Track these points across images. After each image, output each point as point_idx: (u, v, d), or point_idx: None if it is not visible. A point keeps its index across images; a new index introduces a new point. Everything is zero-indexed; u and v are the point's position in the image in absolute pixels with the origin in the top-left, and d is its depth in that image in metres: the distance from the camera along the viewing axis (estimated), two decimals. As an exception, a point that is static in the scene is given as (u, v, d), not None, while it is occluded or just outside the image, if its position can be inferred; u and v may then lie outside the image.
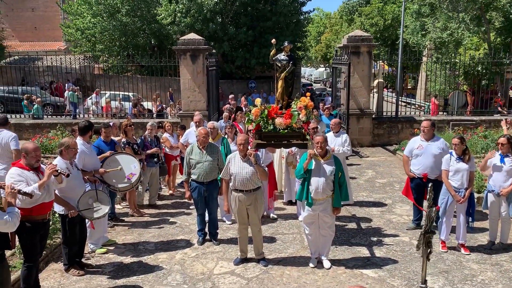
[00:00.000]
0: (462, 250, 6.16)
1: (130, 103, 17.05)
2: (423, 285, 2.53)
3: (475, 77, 19.07)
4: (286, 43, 6.69)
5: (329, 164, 5.52)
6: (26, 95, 16.59)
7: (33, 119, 15.22)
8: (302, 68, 61.87)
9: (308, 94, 6.76)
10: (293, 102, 6.53)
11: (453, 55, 18.73)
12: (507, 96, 20.42)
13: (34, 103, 16.04)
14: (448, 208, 6.14)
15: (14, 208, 4.11)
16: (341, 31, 41.49)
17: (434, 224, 6.89)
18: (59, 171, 4.87)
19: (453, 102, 16.51)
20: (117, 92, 17.54)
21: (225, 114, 9.86)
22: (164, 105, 18.60)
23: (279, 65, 6.62)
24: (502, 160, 6.05)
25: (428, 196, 2.82)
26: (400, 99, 21.58)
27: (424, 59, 21.74)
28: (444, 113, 17.83)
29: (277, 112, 6.43)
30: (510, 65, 18.16)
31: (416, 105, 22.59)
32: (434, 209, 3.02)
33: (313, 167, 5.51)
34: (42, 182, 4.62)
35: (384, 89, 27.83)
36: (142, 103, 17.73)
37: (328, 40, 47.62)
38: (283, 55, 6.65)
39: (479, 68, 18.65)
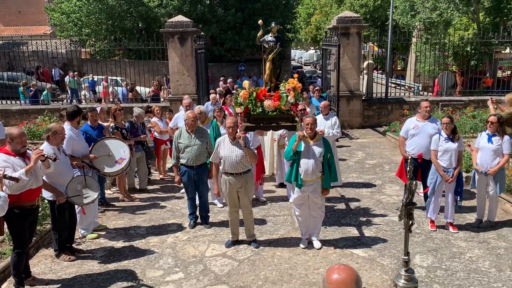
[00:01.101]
0: (451, 229, 6.25)
1: (123, 88, 16.92)
2: (405, 257, 2.56)
3: (464, 58, 19.10)
4: (273, 24, 6.61)
5: (318, 145, 5.53)
6: (22, 82, 16.45)
7: (43, 105, 15.26)
8: (292, 51, 61.45)
9: (296, 75, 6.72)
10: (281, 84, 6.48)
11: (442, 35, 18.70)
12: (496, 76, 20.53)
13: (32, 89, 16.10)
14: (437, 187, 6.20)
15: (1, 192, 4.06)
16: (331, 13, 41.08)
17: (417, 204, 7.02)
18: (45, 155, 4.81)
19: (442, 82, 16.54)
20: (113, 77, 17.36)
21: (212, 95, 9.75)
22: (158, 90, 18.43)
23: (267, 46, 6.54)
24: (489, 140, 6.11)
25: (408, 169, 2.84)
26: (390, 81, 21.61)
27: (414, 40, 21.71)
28: (430, 94, 17.89)
29: (265, 95, 6.38)
30: (499, 45, 18.21)
31: (406, 86, 22.62)
32: (414, 181, 3.07)
33: (302, 149, 5.51)
34: (29, 167, 4.57)
35: (374, 71, 27.84)
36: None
37: (318, 21, 47.16)
38: (271, 36, 6.57)
39: (468, 49, 18.67)
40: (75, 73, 19.37)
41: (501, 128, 6.10)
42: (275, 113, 6.34)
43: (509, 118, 7.64)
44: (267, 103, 6.32)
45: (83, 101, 15.72)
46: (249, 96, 6.34)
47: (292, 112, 6.44)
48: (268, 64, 6.67)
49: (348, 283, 1.90)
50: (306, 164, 5.48)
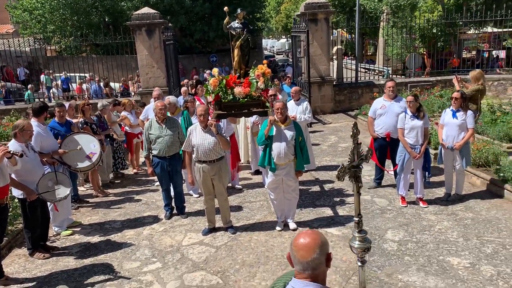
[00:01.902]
0: (421, 204, 6.44)
1: (95, 84, 16.67)
2: (356, 218, 2.66)
3: (431, 40, 19.51)
4: (239, 10, 6.62)
5: (289, 129, 5.59)
6: (29, 86, 16.24)
7: (9, 104, 14.81)
8: (263, 40, 61.34)
9: (265, 62, 6.75)
10: (250, 71, 6.51)
11: (409, 18, 19.02)
12: (461, 56, 21.06)
13: (1, 89, 15.97)
14: (405, 165, 6.37)
15: None
16: (301, 1, 41.22)
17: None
18: (11, 152, 4.71)
19: (410, 64, 16.87)
20: (82, 74, 17.02)
21: (183, 89, 9.70)
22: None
23: (234, 33, 6.55)
24: (454, 115, 6.30)
25: (352, 133, 2.94)
26: (360, 66, 21.88)
27: (382, 24, 21.99)
28: (402, 76, 18.24)
29: (235, 82, 6.40)
30: (463, 26, 18.65)
31: (377, 71, 22.96)
32: (360, 145, 3.19)
33: (274, 133, 5.57)
34: None
35: (345, 57, 28.13)
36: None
37: (288, 10, 47.18)
38: (237, 22, 6.57)
39: (434, 30, 19.07)
40: (50, 71, 18.94)
41: (465, 103, 6.31)
42: (246, 99, 6.38)
43: (474, 95, 7.90)
44: (237, 90, 6.35)
45: (53, 99, 15.36)
46: (219, 83, 6.35)
47: (263, 98, 6.48)
48: (236, 51, 6.68)
49: (311, 247, 1.97)
50: (278, 147, 5.54)
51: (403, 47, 19.41)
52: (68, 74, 18.42)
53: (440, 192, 6.89)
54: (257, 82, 6.28)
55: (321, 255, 1.98)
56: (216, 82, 6.28)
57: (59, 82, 17.59)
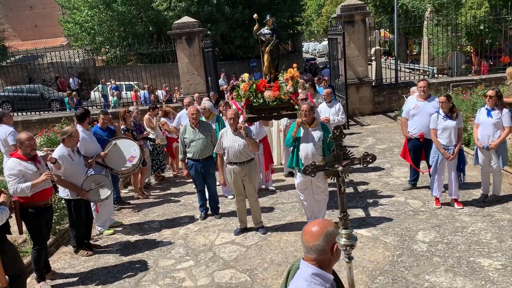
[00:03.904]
0: (456, 205, 6.31)
1: (145, 91, 17.48)
2: (340, 215, 2.71)
3: (478, 37, 18.79)
4: (268, 17, 6.80)
5: (316, 130, 5.68)
6: (67, 92, 17.39)
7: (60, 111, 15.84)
8: (305, 43, 61.18)
9: (294, 65, 6.87)
10: (280, 74, 6.66)
11: (454, 16, 18.43)
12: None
13: (74, 99, 17.37)
14: (439, 165, 6.27)
15: (5, 207, 4.26)
16: (342, 2, 40.85)
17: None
18: (54, 160, 5.17)
19: (452, 63, 16.35)
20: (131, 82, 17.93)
21: (186, 100, 8.84)
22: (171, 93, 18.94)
23: (263, 39, 6.74)
24: (489, 114, 6.13)
25: (332, 136, 2.94)
26: (404, 66, 21.35)
27: (426, 22, 21.44)
28: (444, 76, 17.70)
29: (265, 86, 6.57)
30: (512, 22, 17.84)
31: (421, 71, 22.37)
32: (345, 148, 2.97)
33: (301, 135, 5.68)
34: (35, 183, 4.84)
35: (389, 57, 27.53)
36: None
37: (329, 12, 46.91)
38: (266, 29, 6.76)
39: (481, 27, 18.36)
40: (112, 80, 19.98)
41: (500, 101, 6.12)
42: (275, 102, 6.53)
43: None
44: (267, 93, 6.51)
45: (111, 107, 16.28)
46: (249, 88, 6.54)
47: (292, 101, 6.60)
48: (266, 56, 6.86)
49: (316, 235, 2.16)
50: (305, 148, 5.64)
51: (448, 45, 18.82)
52: (118, 83, 19.37)
53: (477, 193, 6.70)
54: (286, 85, 6.41)
55: (324, 243, 2.16)
56: (247, 87, 6.47)
57: (114, 91, 18.53)
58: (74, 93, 18.41)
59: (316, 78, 12.05)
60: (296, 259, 5.22)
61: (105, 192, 6.03)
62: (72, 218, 5.84)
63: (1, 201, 4.18)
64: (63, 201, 6.25)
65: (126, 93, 17.84)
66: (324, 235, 2.18)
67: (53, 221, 6.33)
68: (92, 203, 6.21)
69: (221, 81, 17.36)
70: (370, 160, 3.12)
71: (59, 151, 5.58)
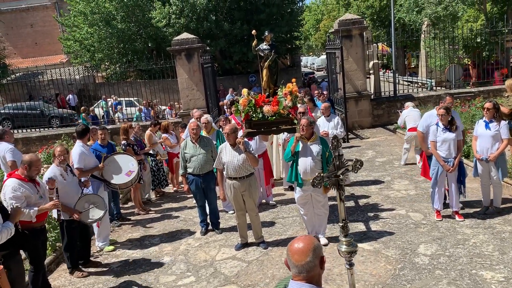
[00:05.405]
0: (457, 217, 6.29)
1: (145, 108, 17.60)
2: (341, 223, 2.71)
3: (475, 49, 18.96)
4: (266, 33, 6.89)
5: (315, 145, 5.70)
6: (82, 108, 17.64)
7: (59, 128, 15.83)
8: (304, 58, 61.68)
9: (293, 80, 6.93)
10: (278, 89, 6.71)
11: (451, 29, 18.63)
12: (509, 65, 20.28)
13: (91, 114, 17.56)
14: (439, 178, 6.27)
15: (11, 224, 4.27)
16: (339, 17, 41.28)
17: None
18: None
19: (450, 75, 16.47)
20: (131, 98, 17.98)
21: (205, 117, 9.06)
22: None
23: (262, 54, 6.81)
24: (487, 126, 6.16)
25: (331, 146, 3.02)
26: (402, 79, 21.46)
27: (423, 36, 21.66)
28: (442, 88, 17.81)
29: (264, 100, 6.62)
30: (509, 34, 18.02)
31: (419, 83, 22.51)
32: (342, 156, 3.17)
33: (300, 149, 5.69)
34: (43, 208, 4.87)
35: (387, 71, 27.73)
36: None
37: (327, 27, 47.40)
38: (265, 44, 6.84)
39: (478, 40, 18.54)
40: (114, 96, 20.10)
41: (498, 113, 6.16)
42: (274, 117, 6.57)
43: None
44: (266, 108, 6.56)
45: (118, 122, 16.31)
46: (248, 103, 6.59)
47: (290, 115, 6.64)
48: (265, 71, 6.93)
49: (305, 251, 2.13)
50: (304, 163, 5.65)
51: (445, 58, 18.96)
52: (118, 99, 19.48)
53: (478, 205, 6.69)
54: (284, 100, 6.46)
55: (314, 258, 2.13)
56: (246, 101, 6.52)
57: (118, 106, 18.62)
58: (91, 108, 18.60)
59: (316, 92, 12.14)
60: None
61: (98, 213, 5.84)
62: (65, 239, 5.72)
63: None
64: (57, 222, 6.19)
65: (126, 109, 17.88)
66: (312, 250, 2.17)
67: (54, 238, 6.34)
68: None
69: (228, 96, 17.41)
70: (359, 166, 3.31)
71: (51, 171, 5.49)
